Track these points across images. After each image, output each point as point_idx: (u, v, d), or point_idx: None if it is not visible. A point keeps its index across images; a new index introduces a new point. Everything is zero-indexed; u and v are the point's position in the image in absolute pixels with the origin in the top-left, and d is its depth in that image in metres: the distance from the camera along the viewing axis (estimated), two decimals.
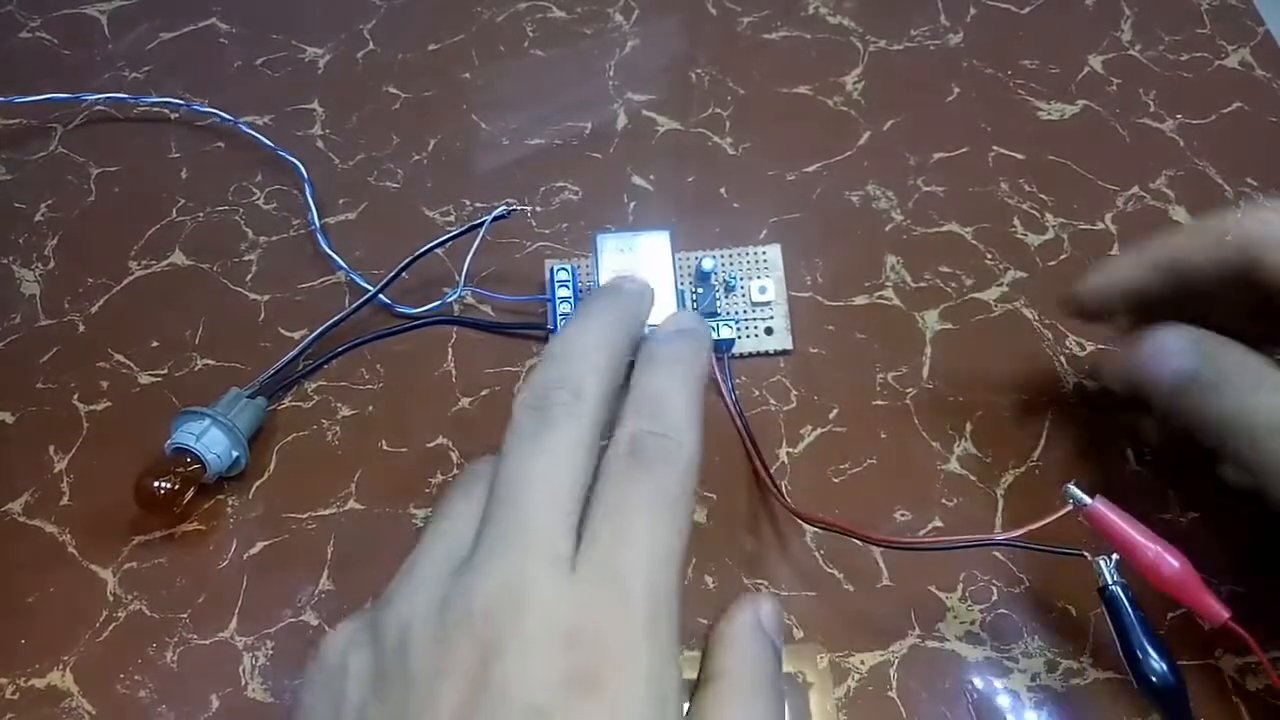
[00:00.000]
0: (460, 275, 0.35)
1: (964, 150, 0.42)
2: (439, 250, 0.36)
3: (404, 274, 0.36)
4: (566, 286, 0.34)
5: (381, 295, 0.35)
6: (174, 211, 0.39)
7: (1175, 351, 0.29)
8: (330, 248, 0.37)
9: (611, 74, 0.44)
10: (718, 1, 0.47)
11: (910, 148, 0.42)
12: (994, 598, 0.30)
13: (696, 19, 0.47)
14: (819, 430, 0.34)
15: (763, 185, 0.41)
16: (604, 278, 0.32)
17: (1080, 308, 0.31)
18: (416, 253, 0.35)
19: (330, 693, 0.22)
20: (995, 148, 0.42)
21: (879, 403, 0.35)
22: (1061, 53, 0.46)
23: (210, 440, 0.31)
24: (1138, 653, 0.24)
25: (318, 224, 0.38)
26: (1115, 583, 0.25)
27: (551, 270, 0.35)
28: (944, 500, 0.32)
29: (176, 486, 0.30)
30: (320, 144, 0.41)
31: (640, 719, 0.20)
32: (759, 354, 0.35)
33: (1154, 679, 0.24)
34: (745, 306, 0.36)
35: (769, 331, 0.35)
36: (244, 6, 0.46)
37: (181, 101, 0.42)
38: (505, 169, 0.41)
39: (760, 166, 0.41)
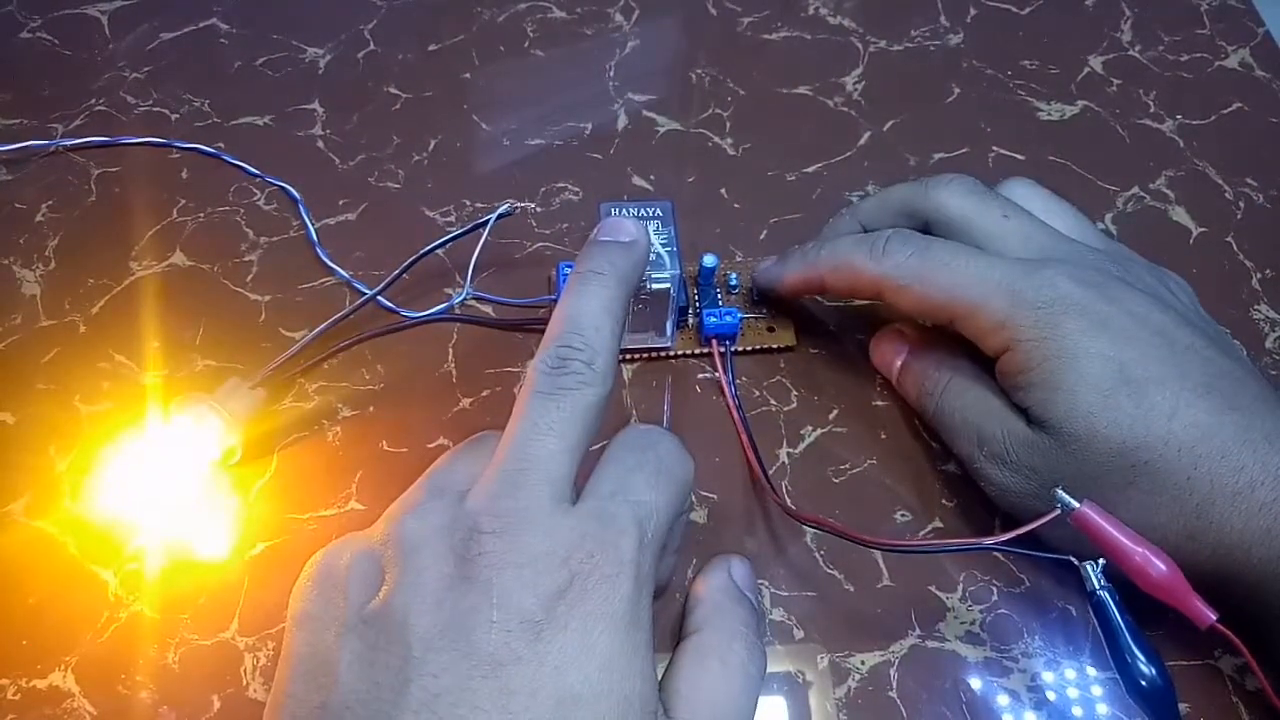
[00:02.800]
0: (466, 276, 0.35)
1: (964, 150, 0.42)
2: (438, 250, 0.36)
3: (404, 274, 0.36)
4: None
5: (383, 298, 0.35)
6: (174, 212, 0.39)
7: (895, 353, 0.34)
8: (329, 257, 0.37)
9: (611, 74, 0.44)
10: (718, 1, 0.47)
11: (910, 148, 0.42)
12: (994, 598, 0.31)
13: (696, 19, 0.47)
14: (819, 430, 0.34)
15: (763, 185, 0.41)
16: None
17: (762, 294, 0.36)
18: (419, 253, 0.35)
19: (329, 594, 0.23)
20: (995, 148, 0.42)
21: (879, 403, 0.35)
22: (1061, 53, 0.46)
23: (205, 426, 0.31)
24: (1126, 657, 0.24)
25: (315, 238, 0.38)
26: (1102, 587, 0.25)
27: (560, 269, 0.35)
28: (944, 501, 0.32)
29: None
30: (320, 144, 0.41)
31: (615, 633, 0.22)
32: (762, 350, 0.35)
33: (1143, 683, 0.24)
34: (747, 303, 0.36)
35: (770, 330, 0.36)
36: (244, 6, 0.46)
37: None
38: (505, 169, 0.41)
39: (760, 166, 0.41)
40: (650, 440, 0.26)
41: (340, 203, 0.40)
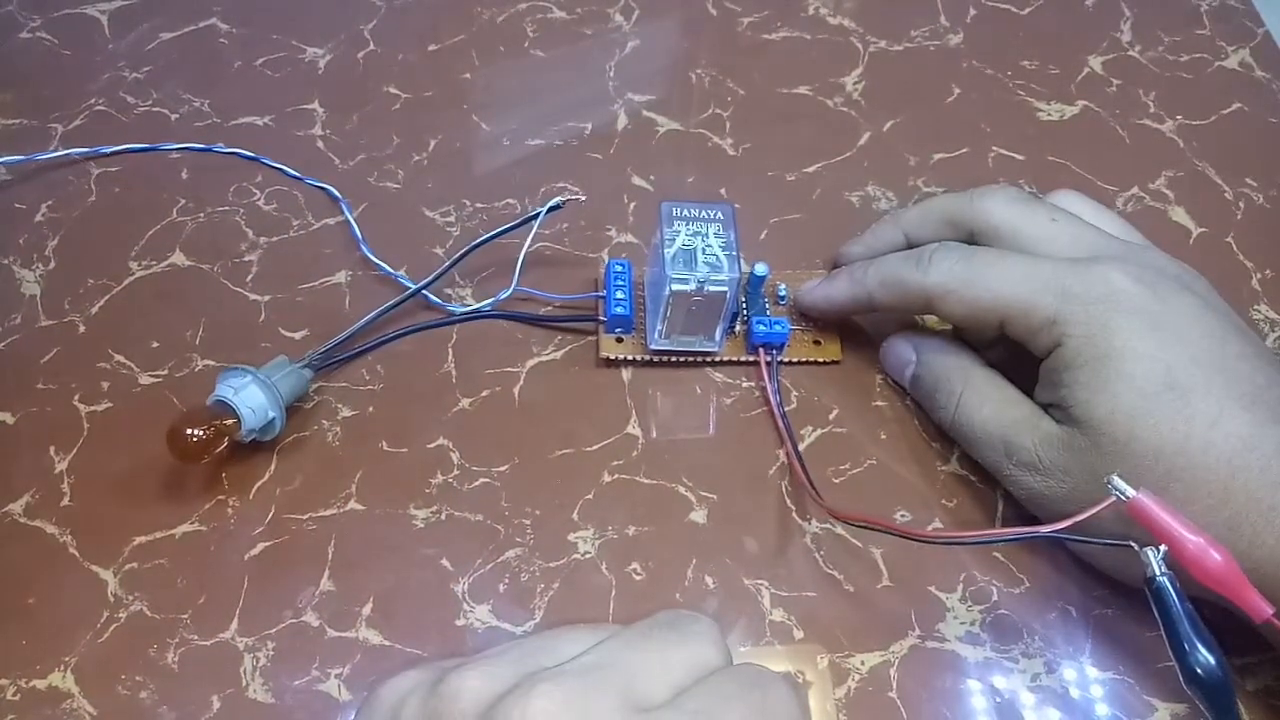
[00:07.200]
0: (514, 272, 0.35)
1: (964, 150, 0.42)
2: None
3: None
4: (622, 279, 0.35)
5: (429, 292, 0.36)
6: (174, 211, 0.39)
7: (905, 360, 0.34)
8: (372, 252, 0.37)
9: (611, 74, 0.44)
10: (718, 1, 0.47)
11: (910, 148, 0.42)
12: (994, 598, 0.31)
13: (696, 19, 0.47)
14: (819, 430, 0.34)
15: (763, 185, 0.41)
16: (669, 249, 0.32)
17: (806, 314, 0.36)
18: (468, 246, 0.36)
19: None
20: (995, 148, 0.42)
21: (879, 403, 0.35)
22: (1061, 53, 0.46)
23: (247, 396, 0.31)
24: (1184, 645, 0.24)
25: (359, 235, 0.38)
26: (1163, 574, 0.24)
27: (610, 266, 0.35)
28: (944, 500, 0.32)
29: (209, 436, 0.30)
30: (320, 144, 0.41)
31: None
32: (808, 362, 0.35)
33: (1200, 671, 0.23)
34: (794, 315, 0.36)
35: (816, 343, 0.35)
36: (244, 6, 0.46)
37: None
38: (505, 169, 0.41)
39: (760, 166, 0.41)
40: (762, 680, 0.22)
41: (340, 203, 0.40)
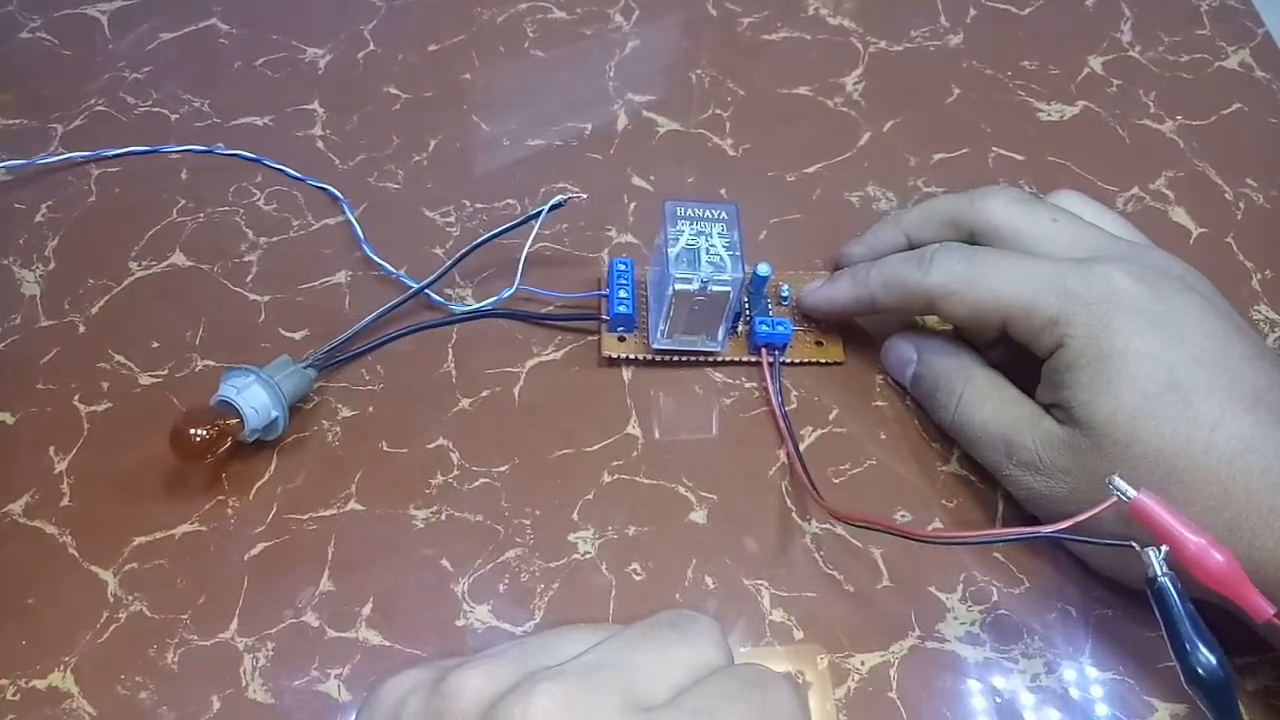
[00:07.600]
0: (516, 272, 0.35)
1: (964, 151, 0.42)
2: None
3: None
4: (625, 278, 0.35)
5: (431, 292, 0.36)
6: (174, 212, 0.39)
7: (906, 360, 0.34)
8: (374, 253, 0.37)
9: (611, 74, 0.44)
10: (718, 2, 0.47)
11: (910, 148, 0.42)
12: (994, 598, 0.31)
13: (696, 19, 0.47)
14: (819, 431, 0.34)
15: (763, 185, 0.41)
16: (673, 248, 0.32)
17: (808, 314, 0.36)
18: (470, 246, 0.36)
19: None
20: (995, 148, 0.42)
21: (879, 403, 0.35)
22: (1061, 53, 0.46)
23: (250, 395, 0.31)
24: (1186, 645, 0.24)
25: (361, 235, 0.38)
26: (1164, 574, 0.24)
27: (612, 265, 0.35)
28: (944, 501, 0.32)
29: (212, 436, 0.30)
30: (320, 144, 0.41)
31: None
32: (810, 363, 0.35)
33: (1201, 671, 0.23)
34: (797, 315, 0.36)
35: (819, 344, 0.35)
36: (244, 6, 0.46)
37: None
38: (505, 169, 0.41)
39: (760, 167, 0.41)
40: (763, 680, 0.22)
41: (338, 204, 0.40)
